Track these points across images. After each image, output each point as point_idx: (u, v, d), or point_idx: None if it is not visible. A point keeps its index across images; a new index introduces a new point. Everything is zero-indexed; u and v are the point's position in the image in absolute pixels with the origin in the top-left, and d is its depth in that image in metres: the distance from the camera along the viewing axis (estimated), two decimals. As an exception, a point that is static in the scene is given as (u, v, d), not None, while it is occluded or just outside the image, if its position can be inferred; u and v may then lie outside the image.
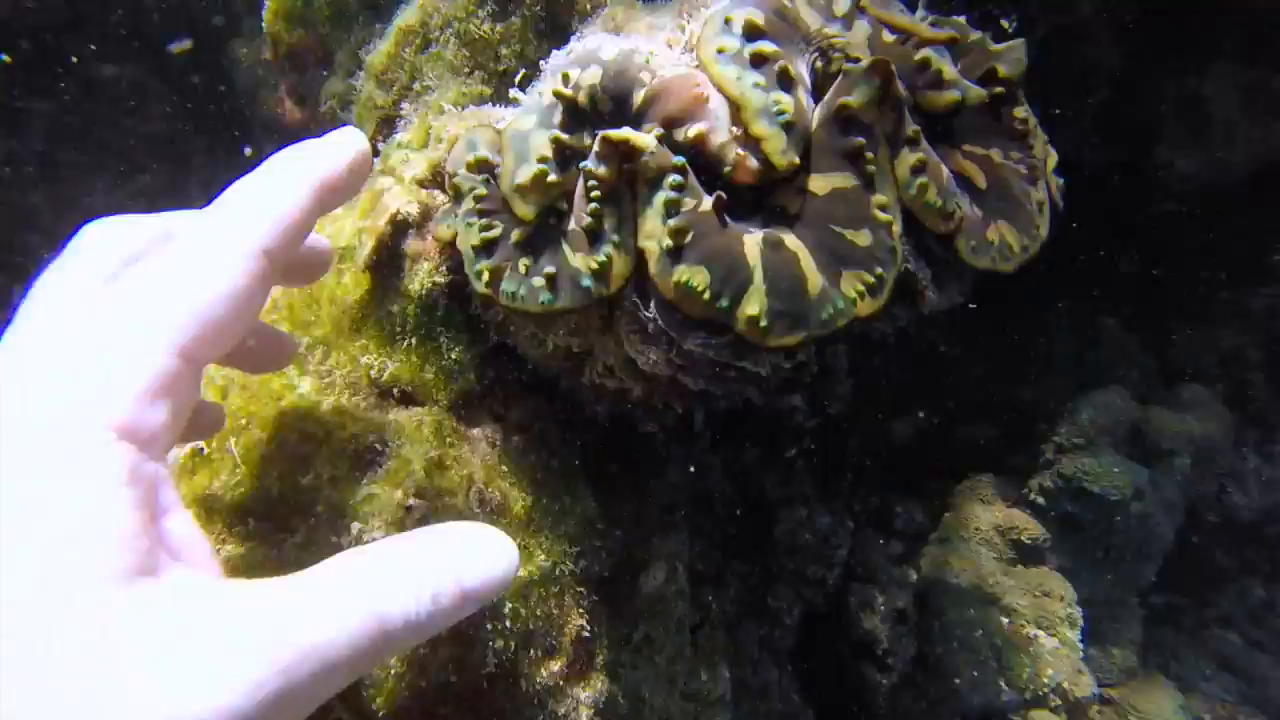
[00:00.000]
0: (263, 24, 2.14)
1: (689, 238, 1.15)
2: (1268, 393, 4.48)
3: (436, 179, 1.51)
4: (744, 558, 3.01)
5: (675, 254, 1.16)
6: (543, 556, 1.52)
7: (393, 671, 1.37)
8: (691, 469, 2.07)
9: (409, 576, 0.79)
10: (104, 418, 0.75)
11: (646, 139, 1.17)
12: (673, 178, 1.17)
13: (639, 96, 1.21)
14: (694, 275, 1.17)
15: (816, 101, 1.29)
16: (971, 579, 2.54)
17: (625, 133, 1.16)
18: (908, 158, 1.29)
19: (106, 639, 0.65)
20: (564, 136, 1.21)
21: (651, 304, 1.23)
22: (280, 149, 1.03)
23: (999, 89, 1.40)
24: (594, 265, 1.18)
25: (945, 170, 1.34)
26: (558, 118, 1.22)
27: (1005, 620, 2.50)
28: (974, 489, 2.91)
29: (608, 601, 1.68)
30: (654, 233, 1.16)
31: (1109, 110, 3.37)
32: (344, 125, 2.00)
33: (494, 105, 1.58)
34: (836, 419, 3.20)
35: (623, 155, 1.18)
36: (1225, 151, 3.21)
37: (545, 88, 1.31)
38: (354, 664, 0.74)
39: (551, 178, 1.21)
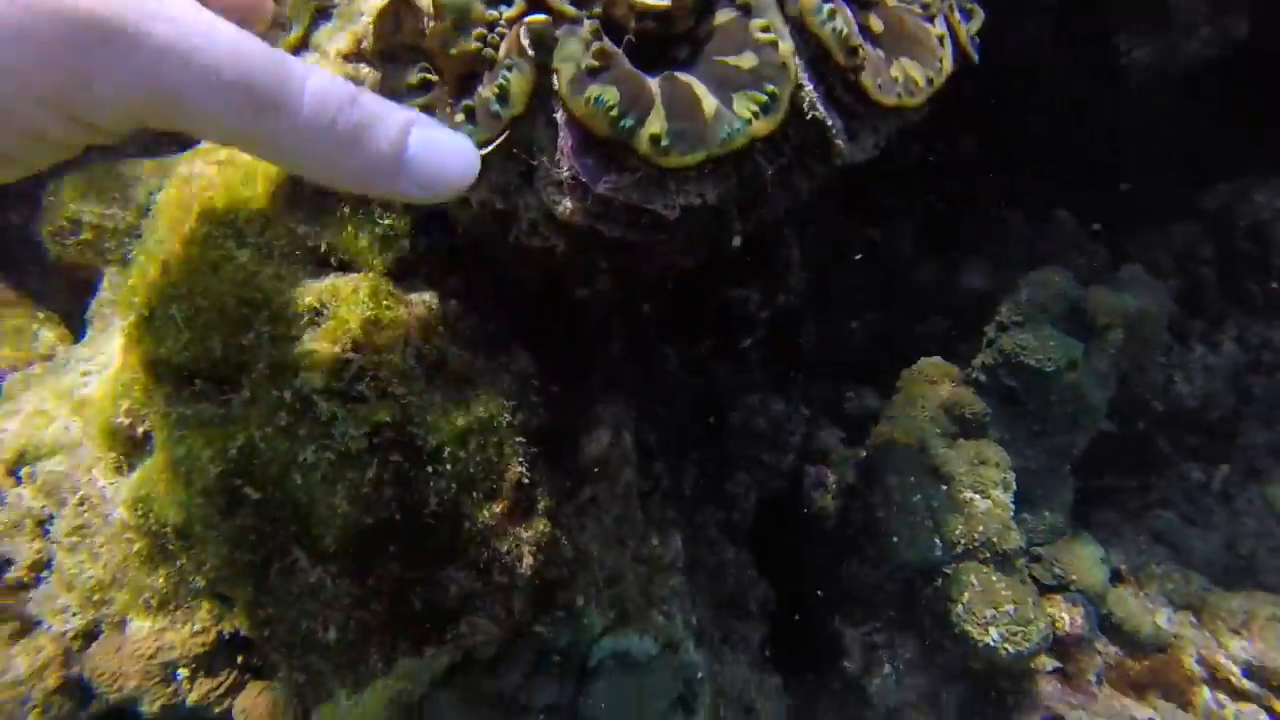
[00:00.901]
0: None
1: (606, 62, 1.21)
2: (1217, 287, 4.61)
3: (360, 53, 1.54)
4: (700, 446, 3.14)
5: (591, 74, 1.22)
6: (480, 409, 1.61)
7: (339, 510, 1.48)
8: (632, 346, 2.16)
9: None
10: None
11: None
12: (591, 22, 1.23)
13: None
14: (605, 92, 1.23)
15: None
16: (915, 451, 2.69)
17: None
18: None
19: None
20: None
21: (562, 143, 1.29)
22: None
23: None
24: (496, 89, 1.24)
25: (848, 10, 1.39)
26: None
27: (943, 486, 2.66)
28: (922, 370, 3.04)
29: (549, 459, 1.79)
30: (573, 54, 1.21)
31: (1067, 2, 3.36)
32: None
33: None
34: (791, 311, 3.30)
35: (533, 5, 1.24)
36: (1182, 40, 3.23)
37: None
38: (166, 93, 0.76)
39: (470, 33, 1.26)
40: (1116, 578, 3.23)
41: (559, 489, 1.81)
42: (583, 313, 1.90)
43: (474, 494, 1.60)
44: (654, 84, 1.27)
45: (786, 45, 1.26)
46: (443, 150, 1.01)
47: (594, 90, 1.22)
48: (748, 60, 1.28)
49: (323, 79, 0.88)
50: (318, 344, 1.50)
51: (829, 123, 1.44)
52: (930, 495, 2.55)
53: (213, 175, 1.65)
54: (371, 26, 1.41)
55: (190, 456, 1.52)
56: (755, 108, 1.27)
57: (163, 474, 1.57)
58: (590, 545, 2.00)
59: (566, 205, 1.38)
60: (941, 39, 1.48)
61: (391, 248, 1.61)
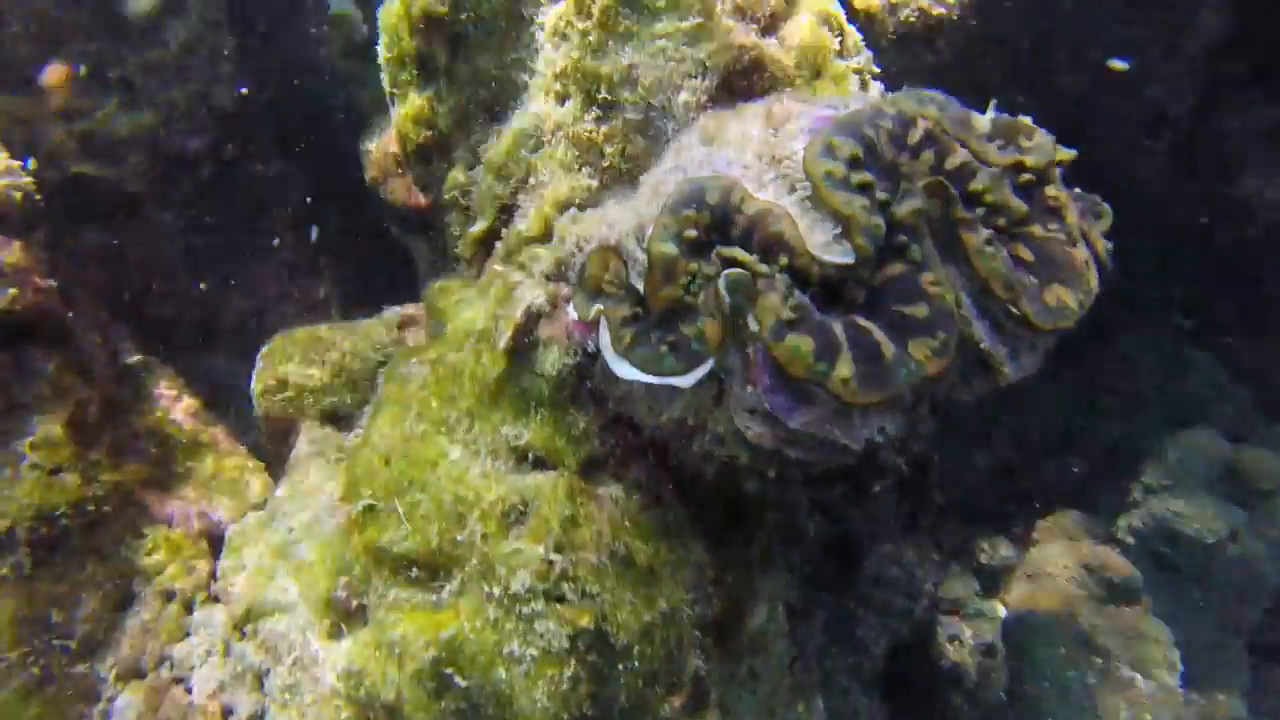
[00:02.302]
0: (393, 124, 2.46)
1: (802, 315, 1.37)
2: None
3: (561, 272, 1.75)
4: (832, 589, 3.14)
5: (789, 325, 1.37)
6: (664, 602, 1.72)
7: (540, 704, 1.60)
8: (782, 517, 2.24)
9: None
10: None
11: (752, 257, 1.40)
12: (784, 277, 1.39)
13: (738, 226, 1.44)
14: (802, 342, 1.38)
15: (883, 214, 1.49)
16: (1061, 617, 2.60)
17: (736, 251, 1.39)
18: (980, 234, 1.48)
19: None
20: (680, 256, 1.44)
21: (756, 383, 1.43)
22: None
23: (1028, 176, 1.56)
24: (698, 330, 1.41)
25: (1005, 252, 1.51)
26: (678, 238, 1.45)
27: (1099, 660, 2.54)
28: (1059, 524, 2.96)
29: (719, 641, 1.87)
30: (773, 307, 1.36)
31: (1188, 142, 3.38)
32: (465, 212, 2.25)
33: (601, 207, 1.81)
34: (920, 457, 3.31)
35: (727, 263, 1.42)
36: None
37: (649, 202, 1.56)
38: None
39: (677, 282, 1.44)
40: None
41: (727, 674, 1.88)
42: (748, 501, 2.00)
43: (657, 688, 1.69)
44: (839, 329, 1.41)
45: (952, 295, 1.40)
46: None
47: (792, 340, 1.37)
48: (921, 310, 1.41)
49: None
50: (523, 543, 1.66)
51: (996, 352, 1.55)
52: (1086, 674, 2.43)
53: (426, 375, 1.87)
54: (588, 265, 1.60)
55: (405, 640, 1.68)
56: (928, 352, 1.39)
57: (376, 652, 1.73)
58: (746, 718, 2.05)
59: (758, 430, 1.51)
60: (1086, 263, 1.57)
61: (584, 446, 1.78)
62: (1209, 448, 2.75)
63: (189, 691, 1.90)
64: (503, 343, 1.74)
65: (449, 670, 1.63)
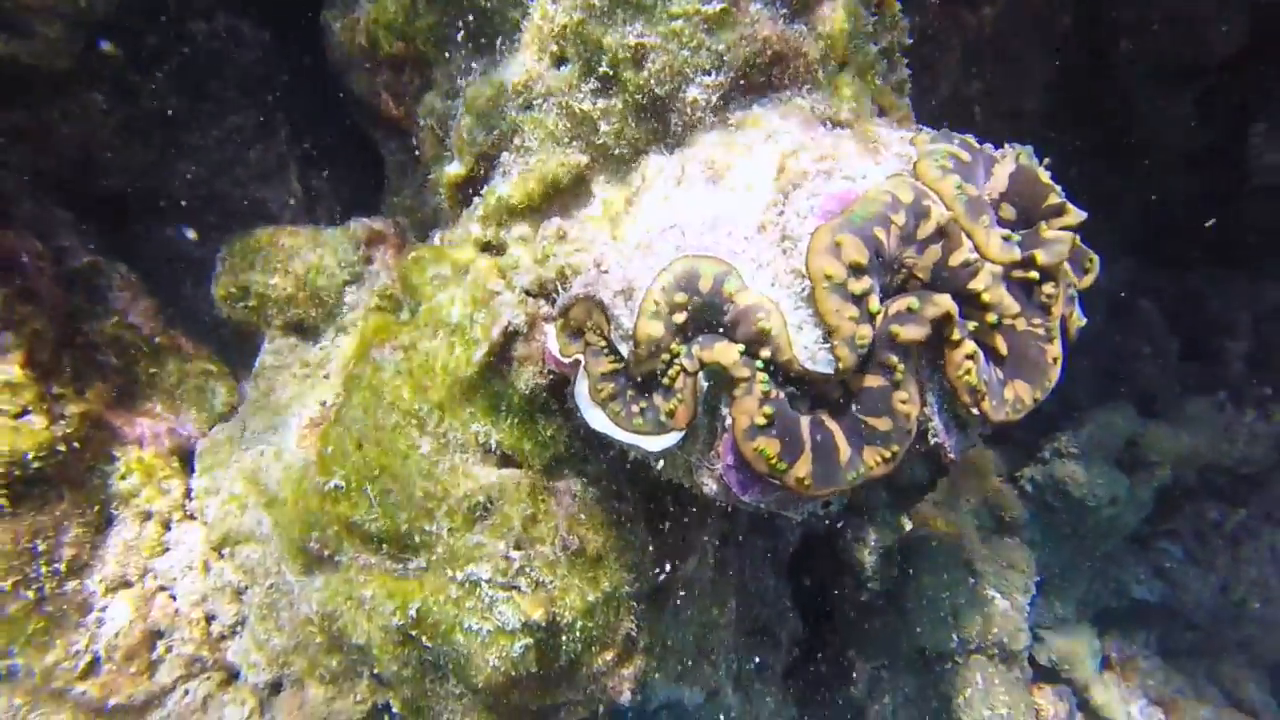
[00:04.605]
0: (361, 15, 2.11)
1: (773, 420, 1.43)
2: (1288, 360, 4.62)
3: (542, 291, 1.71)
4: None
5: (760, 429, 1.44)
6: (607, 583, 1.93)
7: (490, 664, 1.85)
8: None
9: None
10: None
11: (734, 357, 1.40)
12: (763, 379, 1.42)
13: (728, 315, 1.41)
14: (769, 445, 1.45)
15: (883, 299, 1.48)
16: (952, 543, 2.99)
17: (719, 357, 1.39)
18: (964, 348, 1.51)
19: None
20: (666, 335, 1.43)
21: (719, 456, 1.52)
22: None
23: (1034, 273, 1.55)
24: (669, 408, 1.47)
25: (982, 358, 1.55)
26: (668, 320, 1.43)
27: (971, 580, 2.99)
28: (981, 457, 3.26)
29: (652, 603, 2.13)
30: (748, 410, 1.42)
31: (1211, 92, 3.20)
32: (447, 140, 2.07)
33: (590, 232, 1.71)
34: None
35: (703, 363, 1.43)
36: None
37: (641, 257, 1.50)
38: None
39: (659, 358, 1.46)
40: (1105, 664, 3.62)
41: (655, 620, 2.17)
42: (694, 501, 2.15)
43: (593, 649, 1.96)
44: (806, 428, 1.47)
45: (915, 411, 1.46)
46: None
47: (761, 442, 1.44)
48: (884, 424, 1.47)
49: None
50: (486, 537, 1.81)
51: (945, 445, 1.65)
52: (957, 592, 2.88)
53: (399, 362, 1.87)
54: (572, 309, 1.58)
55: (375, 599, 1.88)
56: (879, 459, 1.49)
57: (347, 602, 1.94)
58: (668, 636, 2.40)
59: (711, 489, 1.62)
60: (1055, 360, 1.63)
61: (550, 450, 1.86)
62: (1119, 426, 3.00)
63: (174, 599, 2.11)
64: (479, 356, 1.74)
65: (414, 632, 1.86)
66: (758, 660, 3.23)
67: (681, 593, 2.34)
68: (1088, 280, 1.81)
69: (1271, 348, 4.61)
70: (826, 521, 2.30)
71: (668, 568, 2.12)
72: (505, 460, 1.88)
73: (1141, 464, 3.01)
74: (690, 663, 2.62)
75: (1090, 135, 3.70)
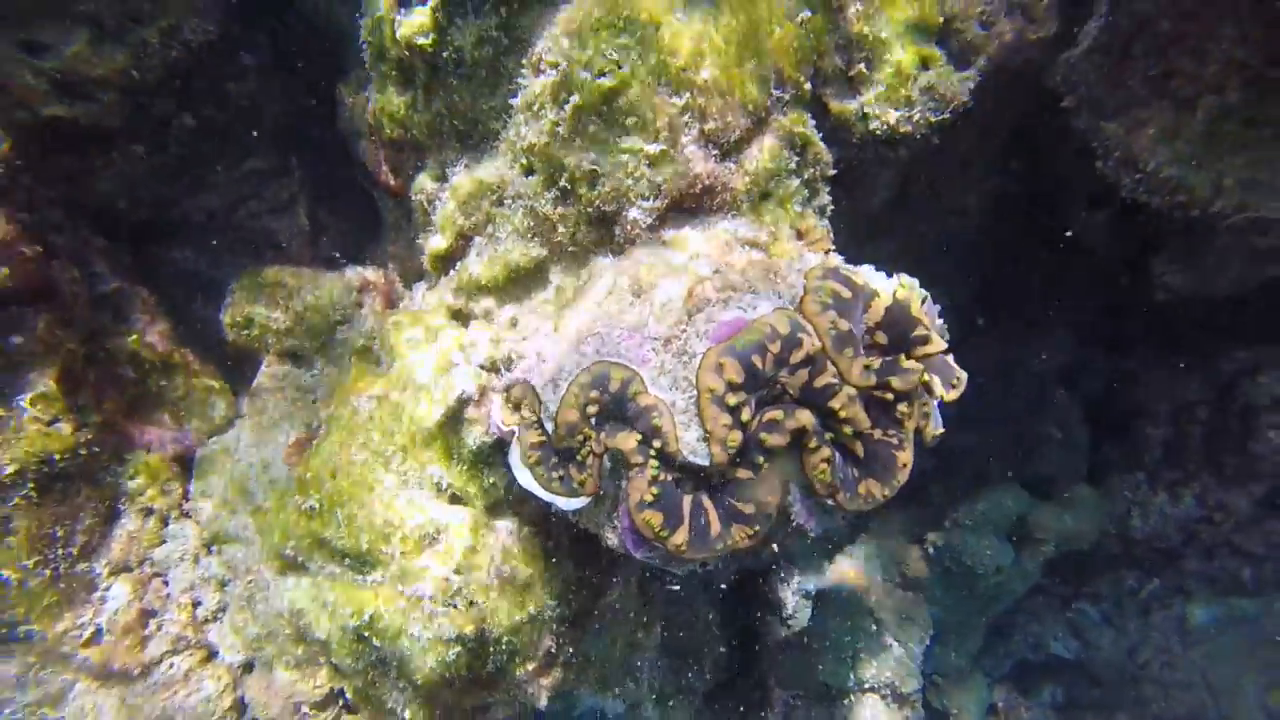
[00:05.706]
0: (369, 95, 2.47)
1: (659, 497, 1.78)
2: (1201, 445, 5.01)
3: (493, 367, 2.07)
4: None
5: (648, 504, 1.80)
6: (532, 607, 2.29)
7: (429, 666, 2.20)
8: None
9: None
10: None
11: (631, 445, 1.76)
12: (654, 464, 1.78)
13: (630, 410, 1.78)
14: (654, 518, 1.81)
15: (756, 410, 1.83)
16: (860, 592, 3.35)
17: (618, 443, 1.75)
18: (821, 453, 1.87)
19: None
20: (581, 422, 1.79)
21: (620, 518, 1.88)
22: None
23: (890, 395, 1.91)
24: (581, 479, 1.82)
25: (839, 460, 1.90)
26: (583, 410, 1.79)
27: (874, 627, 3.35)
28: (893, 518, 3.63)
29: (574, 625, 2.49)
30: (639, 488, 1.78)
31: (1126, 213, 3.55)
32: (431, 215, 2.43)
33: (536, 323, 2.08)
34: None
35: (608, 447, 1.79)
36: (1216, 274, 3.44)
37: (571, 350, 1.86)
38: None
39: (575, 438, 1.81)
40: (992, 711, 3.99)
41: (578, 640, 2.53)
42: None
43: (517, 659, 2.32)
44: (686, 505, 1.83)
45: (776, 499, 1.82)
46: None
47: (648, 514, 1.80)
48: (749, 508, 1.83)
49: None
50: (432, 561, 2.17)
51: (807, 525, 2.01)
52: (858, 636, 3.24)
53: (373, 410, 2.23)
54: (513, 390, 1.94)
55: (336, 603, 2.24)
56: (744, 535, 1.85)
57: (313, 603, 2.30)
58: (590, 653, 2.76)
59: (614, 542, 1.98)
60: (905, 465, 1.99)
61: (491, 494, 2.22)
62: (1007, 506, 3.38)
63: (166, 584, 2.47)
64: (438, 414, 2.10)
65: (367, 633, 2.22)
66: (681, 681, 3.59)
67: (608, 617, 2.71)
68: (954, 394, 2.17)
69: (1185, 436, 5.01)
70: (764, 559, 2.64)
71: (590, 596, 2.49)
72: (455, 499, 2.24)
73: (1030, 539, 3.37)
74: (610, 678, 2.98)
75: (1033, 228, 4.08)
